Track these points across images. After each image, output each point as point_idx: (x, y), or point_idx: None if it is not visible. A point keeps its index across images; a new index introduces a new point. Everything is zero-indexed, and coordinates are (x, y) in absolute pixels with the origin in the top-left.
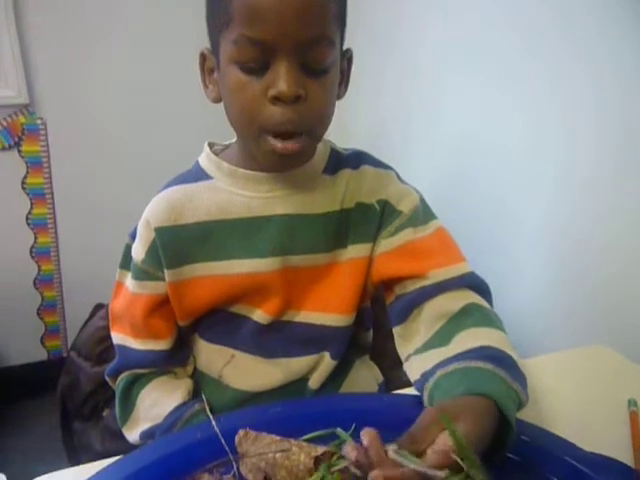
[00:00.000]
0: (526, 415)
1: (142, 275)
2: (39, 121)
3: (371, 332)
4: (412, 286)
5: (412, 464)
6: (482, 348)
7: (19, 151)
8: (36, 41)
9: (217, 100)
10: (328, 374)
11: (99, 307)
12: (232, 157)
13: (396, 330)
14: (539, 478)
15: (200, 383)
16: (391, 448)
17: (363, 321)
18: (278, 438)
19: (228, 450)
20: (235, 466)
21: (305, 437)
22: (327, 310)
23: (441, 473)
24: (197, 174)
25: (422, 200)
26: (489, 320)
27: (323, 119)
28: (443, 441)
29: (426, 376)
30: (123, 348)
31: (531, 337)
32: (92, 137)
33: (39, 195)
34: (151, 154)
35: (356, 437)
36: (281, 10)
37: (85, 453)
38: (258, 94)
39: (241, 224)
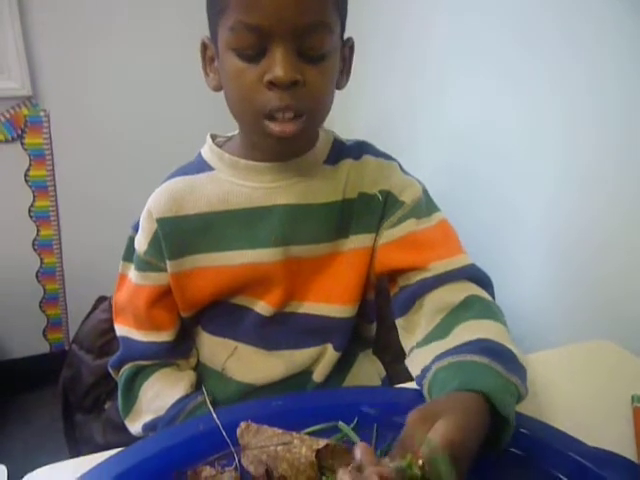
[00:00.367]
0: (529, 410)
1: (145, 266)
2: (42, 113)
3: (374, 325)
4: (414, 278)
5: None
6: (479, 341)
7: (22, 143)
8: (40, 33)
9: (217, 88)
10: (332, 366)
11: (101, 300)
12: (234, 148)
13: (399, 322)
14: (542, 473)
15: (203, 375)
16: (385, 461)
17: (367, 313)
18: (280, 431)
19: (230, 442)
20: (237, 458)
21: (307, 430)
22: (330, 301)
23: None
24: (199, 165)
25: (425, 191)
26: (489, 312)
27: (321, 105)
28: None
29: (424, 371)
30: (126, 340)
31: (533, 332)
32: (95, 129)
33: (41, 188)
34: (153, 146)
35: (358, 430)
36: None
37: (86, 445)
38: (255, 80)
39: (243, 215)
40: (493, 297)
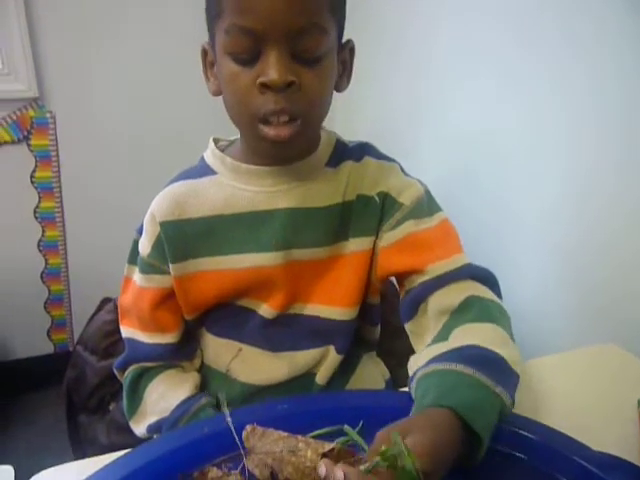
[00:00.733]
0: (534, 414)
1: (148, 269)
2: (48, 115)
3: (378, 327)
4: (416, 281)
5: None
6: (470, 347)
7: (28, 145)
8: (46, 35)
9: (217, 93)
10: (334, 369)
11: (106, 301)
12: (236, 152)
13: (407, 326)
14: (547, 477)
15: (207, 377)
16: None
17: (371, 316)
18: (285, 434)
19: (239, 444)
20: (242, 461)
21: (312, 434)
22: (331, 303)
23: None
24: (202, 169)
25: (427, 192)
26: (487, 314)
27: (317, 107)
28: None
29: (413, 375)
30: (131, 341)
31: (536, 336)
32: (101, 131)
33: (47, 189)
34: (159, 148)
35: (363, 434)
36: None
37: (91, 446)
38: (250, 83)
39: (245, 219)
40: (499, 294)
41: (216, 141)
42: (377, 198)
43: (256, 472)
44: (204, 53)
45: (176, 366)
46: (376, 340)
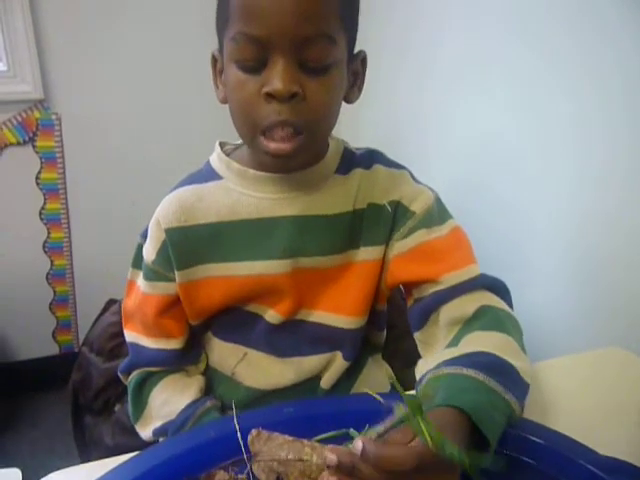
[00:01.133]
0: (540, 416)
1: (153, 275)
2: (54, 116)
3: (384, 332)
4: (427, 290)
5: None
6: (480, 354)
7: (33, 146)
8: (52, 38)
9: (225, 101)
10: (340, 374)
11: (111, 303)
12: (242, 157)
13: (417, 336)
14: None
15: (213, 380)
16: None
17: (378, 322)
18: (291, 438)
19: (243, 449)
20: (248, 465)
21: (318, 438)
22: (339, 312)
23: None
24: (208, 174)
25: (437, 200)
26: (497, 323)
27: (322, 120)
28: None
29: (421, 378)
30: (135, 346)
31: (546, 339)
32: (106, 133)
33: (52, 190)
34: (164, 150)
35: None
36: (278, 7)
37: (96, 447)
38: (255, 92)
39: (250, 225)
40: (510, 304)
41: (222, 145)
42: (389, 207)
43: (262, 476)
44: (214, 60)
45: (180, 370)
46: (382, 343)
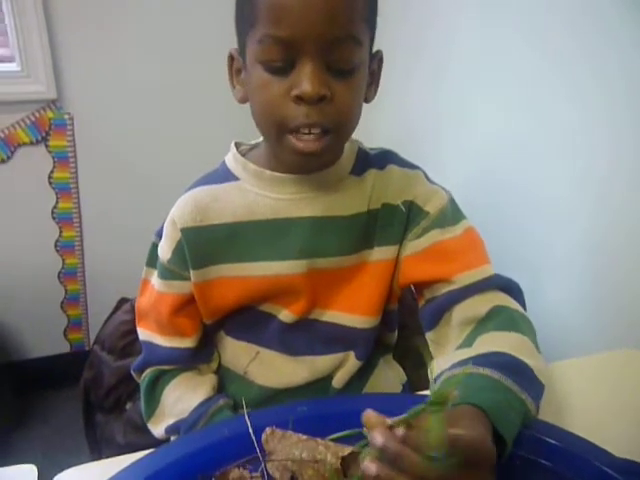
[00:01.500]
0: (555, 420)
1: (168, 274)
2: (66, 116)
3: (396, 332)
4: (440, 290)
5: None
6: (496, 354)
7: (46, 146)
8: (65, 38)
9: (243, 101)
10: (352, 374)
11: (123, 301)
12: (258, 158)
13: (429, 336)
14: None
15: (225, 379)
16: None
17: (389, 322)
18: (304, 437)
19: (257, 448)
20: (262, 464)
21: (332, 437)
22: (353, 311)
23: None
24: (224, 174)
25: (451, 200)
26: (512, 323)
27: (348, 120)
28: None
29: (436, 378)
30: (149, 344)
31: (563, 338)
32: (118, 132)
33: (65, 189)
34: (177, 150)
35: None
36: (306, 9)
37: (107, 445)
38: (282, 93)
39: (267, 226)
40: (523, 305)
41: (237, 145)
42: (403, 207)
43: (276, 475)
44: (230, 59)
45: (193, 368)
46: (393, 344)
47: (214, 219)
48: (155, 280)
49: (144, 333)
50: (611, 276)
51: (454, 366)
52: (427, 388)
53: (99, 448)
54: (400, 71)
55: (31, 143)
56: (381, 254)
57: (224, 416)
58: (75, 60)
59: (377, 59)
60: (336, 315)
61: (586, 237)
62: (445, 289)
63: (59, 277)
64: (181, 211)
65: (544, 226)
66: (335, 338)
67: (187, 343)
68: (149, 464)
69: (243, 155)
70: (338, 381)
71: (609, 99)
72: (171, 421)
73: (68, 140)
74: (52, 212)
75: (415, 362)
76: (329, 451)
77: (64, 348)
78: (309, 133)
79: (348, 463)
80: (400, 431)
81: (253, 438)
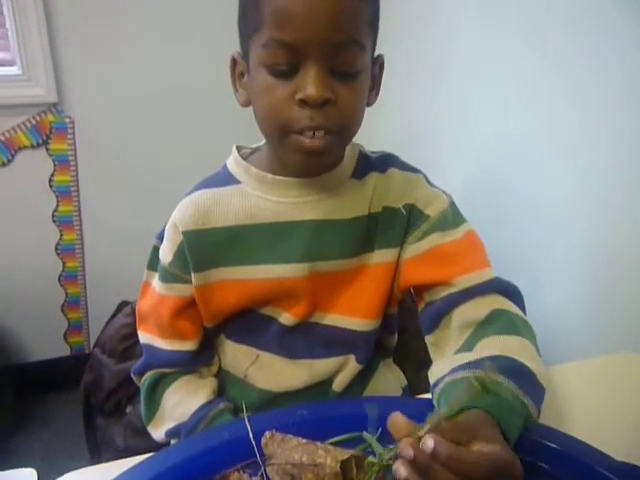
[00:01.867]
0: (555, 423)
1: (169, 277)
2: (67, 120)
3: (396, 335)
4: (440, 293)
5: None
6: (498, 358)
7: (47, 149)
8: (66, 41)
9: (246, 104)
10: (352, 377)
11: (124, 304)
12: (260, 161)
13: (428, 339)
14: None
15: (225, 382)
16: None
17: (389, 326)
18: (304, 441)
19: (258, 451)
20: (262, 468)
21: (331, 440)
22: (353, 314)
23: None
24: (225, 178)
25: (452, 203)
26: (512, 327)
27: (352, 123)
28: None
29: (438, 381)
30: (150, 347)
31: (563, 341)
32: (119, 136)
33: (65, 193)
34: (178, 154)
35: (382, 441)
36: (311, 14)
37: (107, 449)
38: (286, 97)
39: (269, 229)
40: (523, 309)
41: (239, 149)
42: (403, 210)
43: (276, 479)
44: (233, 63)
45: (194, 372)
46: (393, 347)
47: (216, 222)
48: (156, 283)
49: (145, 336)
50: (611, 278)
51: (454, 370)
52: (427, 391)
53: (99, 452)
54: (400, 73)
55: (32, 146)
56: (382, 257)
57: (224, 420)
58: (76, 64)
59: (378, 63)
60: (336, 318)
61: (585, 239)
62: (445, 292)
63: (59, 280)
64: (183, 214)
65: (543, 228)
66: (335, 341)
67: (188, 346)
68: (149, 468)
69: (244, 159)
70: (338, 384)
71: (609, 100)
72: (171, 425)
73: (69, 143)
74: (53, 215)
75: (415, 365)
76: (329, 455)
77: (64, 351)
78: (313, 136)
79: (348, 467)
80: (430, 443)
81: (253, 442)
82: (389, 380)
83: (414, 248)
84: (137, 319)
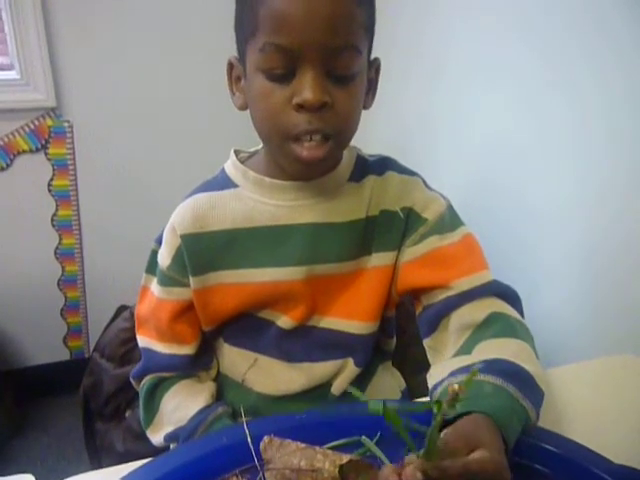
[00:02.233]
0: (553, 426)
1: (168, 281)
2: (66, 124)
3: (394, 339)
4: (438, 296)
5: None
6: (496, 361)
7: (46, 153)
8: (64, 46)
9: (243, 108)
10: (351, 380)
11: (123, 309)
12: (258, 165)
13: (426, 342)
14: None
15: (224, 386)
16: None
17: (387, 329)
18: (303, 445)
19: (257, 456)
20: (260, 473)
21: (330, 445)
22: (351, 317)
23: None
24: (223, 182)
25: (449, 207)
26: (511, 330)
27: (348, 126)
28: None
29: (437, 385)
30: (148, 351)
31: (561, 343)
32: (117, 141)
33: (64, 197)
34: (176, 158)
35: (381, 445)
36: (307, 18)
37: (107, 453)
38: (283, 101)
39: (266, 232)
40: (521, 312)
41: (237, 153)
42: (401, 213)
43: None
44: (230, 67)
45: (192, 376)
46: (392, 350)
47: (213, 225)
48: (155, 287)
49: (143, 340)
50: (609, 281)
51: (453, 374)
52: (426, 394)
53: (99, 456)
54: (396, 76)
55: (30, 151)
56: (379, 260)
57: (223, 424)
58: (74, 68)
59: (375, 67)
60: (334, 321)
61: (584, 241)
62: (443, 295)
63: (59, 284)
64: (181, 218)
65: (541, 230)
66: (333, 344)
67: (186, 350)
68: (148, 473)
69: (242, 162)
70: (337, 388)
71: (608, 101)
72: (170, 429)
73: (67, 148)
74: (52, 220)
75: (414, 368)
76: (327, 459)
77: (64, 355)
78: (310, 140)
79: (346, 472)
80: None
81: (251, 447)
82: (388, 383)
83: (412, 251)
84: (136, 323)
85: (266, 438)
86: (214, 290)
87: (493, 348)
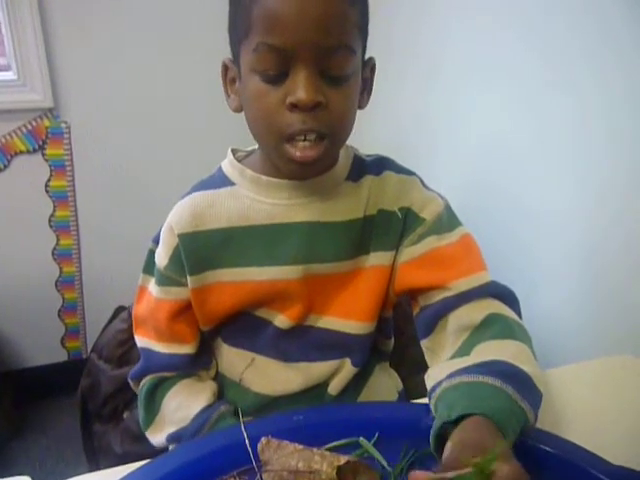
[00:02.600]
0: (551, 427)
1: (165, 281)
2: (63, 125)
3: (392, 340)
4: (435, 297)
5: None
6: (495, 362)
7: (43, 154)
8: (62, 46)
9: (238, 109)
10: (348, 381)
11: (120, 310)
12: (255, 164)
13: (424, 343)
14: None
15: (221, 386)
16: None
17: (385, 329)
18: (300, 447)
19: (254, 458)
20: (258, 474)
21: (327, 446)
22: (348, 317)
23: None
24: (220, 180)
25: (447, 207)
26: (509, 331)
27: (343, 126)
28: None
29: (435, 387)
30: (147, 352)
31: (559, 344)
32: (115, 141)
33: (62, 198)
34: (174, 158)
35: (379, 446)
36: (301, 18)
37: (104, 455)
38: (277, 102)
39: (263, 231)
40: (519, 313)
41: (234, 152)
42: (399, 213)
43: None
44: (225, 69)
45: (193, 375)
46: (389, 351)
47: (210, 224)
48: (152, 287)
49: (142, 340)
50: (608, 281)
51: (451, 375)
52: (424, 396)
53: (97, 458)
54: (392, 76)
55: (28, 152)
56: (377, 260)
57: (226, 423)
58: (72, 69)
59: (370, 66)
60: (331, 321)
61: (583, 241)
62: (441, 296)
63: (56, 285)
64: (178, 217)
65: (540, 231)
66: (330, 344)
67: (186, 349)
68: (146, 474)
69: (239, 161)
70: (334, 388)
71: (608, 101)
72: (172, 429)
73: (65, 149)
74: (49, 220)
75: (411, 369)
76: (325, 461)
77: (62, 356)
78: (304, 140)
79: (344, 473)
80: None
81: (249, 448)
82: (385, 384)
83: (410, 251)
84: (134, 323)
85: (264, 439)
86: (211, 289)
87: (491, 349)
